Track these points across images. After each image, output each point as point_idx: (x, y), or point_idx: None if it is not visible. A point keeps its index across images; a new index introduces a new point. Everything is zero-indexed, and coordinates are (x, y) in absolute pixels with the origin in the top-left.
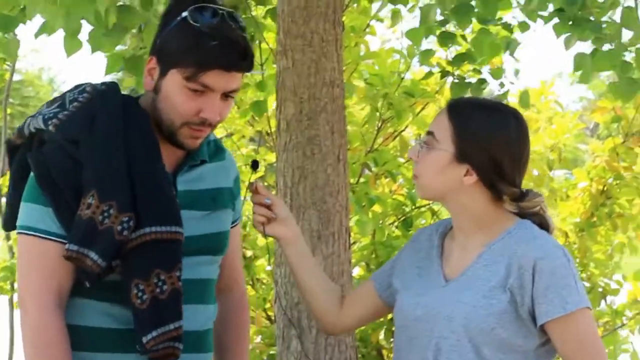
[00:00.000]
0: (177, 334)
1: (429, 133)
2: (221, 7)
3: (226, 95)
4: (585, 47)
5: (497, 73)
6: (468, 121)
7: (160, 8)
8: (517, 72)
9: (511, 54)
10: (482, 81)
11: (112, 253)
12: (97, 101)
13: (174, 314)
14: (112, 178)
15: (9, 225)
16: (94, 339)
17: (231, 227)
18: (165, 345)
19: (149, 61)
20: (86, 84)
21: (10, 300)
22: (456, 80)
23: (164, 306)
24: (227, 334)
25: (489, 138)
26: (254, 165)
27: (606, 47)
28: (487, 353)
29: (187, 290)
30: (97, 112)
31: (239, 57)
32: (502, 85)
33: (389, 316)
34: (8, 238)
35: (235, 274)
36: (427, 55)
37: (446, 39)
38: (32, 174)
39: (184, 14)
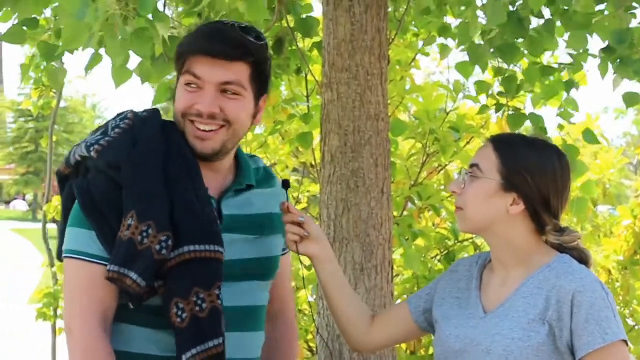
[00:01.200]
0: (217, 351)
1: (473, 165)
2: (235, 22)
3: (224, 91)
4: (631, 85)
5: (566, 115)
6: (514, 152)
7: None
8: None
9: (568, 93)
10: (538, 117)
11: (152, 272)
12: (138, 127)
13: (215, 331)
14: (151, 198)
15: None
16: None
17: (283, 254)
18: None
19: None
20: (128, 111)
21: (53, 327)
22: (511, 112)
23: (203, 324)
24: (281, 357)
25: (536, 169)
26: (285, 184)
27: None
28: None
29: (236, 317)
30: (138, 137)
31: (228, 46)
32: (561, 127)
33: (430, 351)
34: (52, 265)
35: (285, 300)
36: (482, 86)
37: (499, 72)
38: (76, 201)
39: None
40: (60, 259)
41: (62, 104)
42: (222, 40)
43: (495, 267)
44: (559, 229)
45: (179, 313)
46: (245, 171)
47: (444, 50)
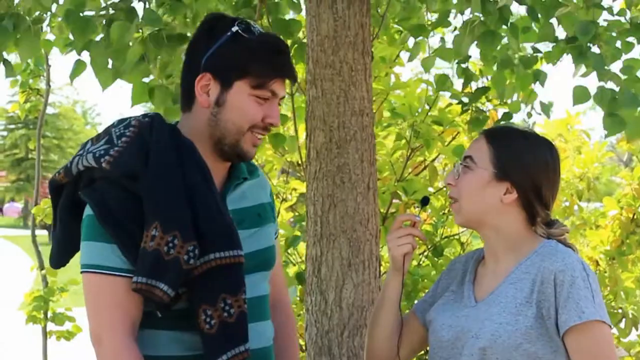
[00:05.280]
0: (245, 356)
1: (467, 157)
2: (254, 23)
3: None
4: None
5: (515, 107)
6: (507, 144)
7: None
8: (550, 106)
9: (542, 85)
10: (509, 115)
11: (179, 282)
12: (146, 134)
13: (243, 336)
14: (174, 209)
15: (58, 262)
16: None
17: (274, 240)
18: None
19: (200, 79)
20: (131, 117)
21: (44, 330)
22: (475, 114)
23: (232, 329)
24: (281, 343)
25: (529, 160)
26: (425, 201)
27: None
28: None
29: (250, 309)
30: (149, 145)
31: (293, 67)
32: (529, 115)
33: None
34: (42, 268)
35: (281, 285)
36: (442, 80)
37: (467, 76)
38: (88, 212)
39: (234, 29)
40: (53, 265)
41: (53, 111)
42: (291, 63)
43: (488, 259)
44: (548, 221)
45: (207, 320)
46: (239, 165)
47: (416, 48)
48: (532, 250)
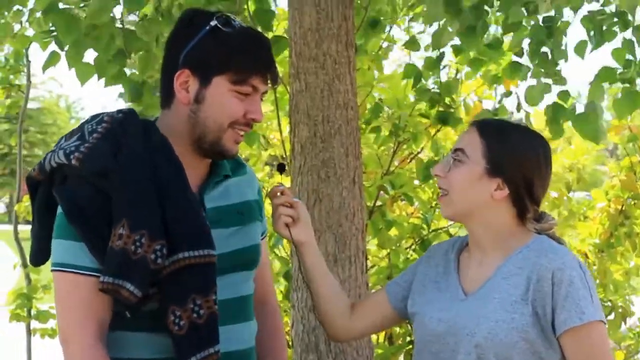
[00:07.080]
0: (218, 357)
1: (458, 150)
2: (233, 16)
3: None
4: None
5: (507, 94)
6: (500, 137)
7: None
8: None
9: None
10: (459, 119)
11: (148, 282)
12: (118, 130)
13: (213, 337)
14: (142, 207)
15: (38, 260)
16: None
17: (261, 239)
18: None
19: (179, 75)
20: (103, 113)
21: (28, 327)
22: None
23: (202, 331)
24: (267, 346)
25: (522, 155)
26: (281, 168)
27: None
28: None
29: (229, 310)
30: (121, 141)
31: (274, 61)
32: (519, 108)
33: (408, 339)
34: (24, 266)
35: (267, 285)
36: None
37: (434, 67)
38: (60, 210)
39: (212, 23)
40: (33, 263)
41: (36, 105)
42: (273, 58)
43: (473, 250)
44: (538, 215)
45: (177, 320)
46: (221, 162)
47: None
48: (523, 244)
